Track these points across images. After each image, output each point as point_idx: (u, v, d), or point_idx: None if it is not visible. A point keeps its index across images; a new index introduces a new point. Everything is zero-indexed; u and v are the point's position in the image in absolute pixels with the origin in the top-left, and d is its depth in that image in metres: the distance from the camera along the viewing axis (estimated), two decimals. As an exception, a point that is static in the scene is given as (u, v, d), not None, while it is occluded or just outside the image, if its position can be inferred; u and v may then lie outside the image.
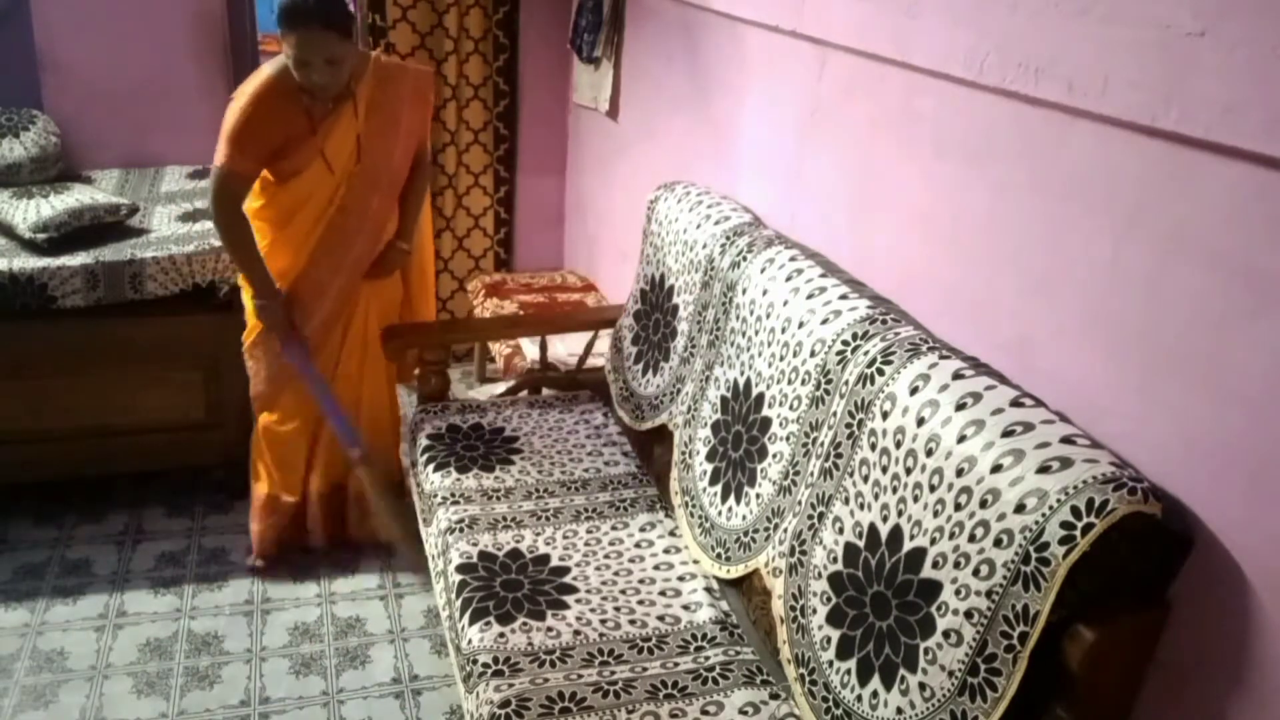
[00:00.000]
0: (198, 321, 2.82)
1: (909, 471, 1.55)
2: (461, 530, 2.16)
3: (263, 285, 2.47)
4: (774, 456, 1.92)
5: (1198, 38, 1.24)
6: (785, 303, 1.99)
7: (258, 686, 2.43)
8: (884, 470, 1.60)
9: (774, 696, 1.74)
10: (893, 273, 1.96)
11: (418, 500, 2.45)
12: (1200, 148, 1.27)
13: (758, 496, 1.95)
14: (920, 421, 1.55)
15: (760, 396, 2.01)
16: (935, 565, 1.45)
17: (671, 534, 2.20)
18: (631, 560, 2.11)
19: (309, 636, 2.60)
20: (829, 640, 1.64)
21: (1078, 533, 1.26)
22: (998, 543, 1.35)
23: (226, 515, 3.04)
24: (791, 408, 1.89)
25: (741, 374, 2.09)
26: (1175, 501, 1.33)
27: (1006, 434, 1.42)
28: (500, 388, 3.00)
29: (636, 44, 3.21)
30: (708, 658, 1.83)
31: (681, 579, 2.05)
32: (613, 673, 1.78)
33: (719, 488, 2.09)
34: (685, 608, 1.96)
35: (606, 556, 2.12)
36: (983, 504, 1.39)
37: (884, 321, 1.80)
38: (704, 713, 1.70)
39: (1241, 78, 1.19)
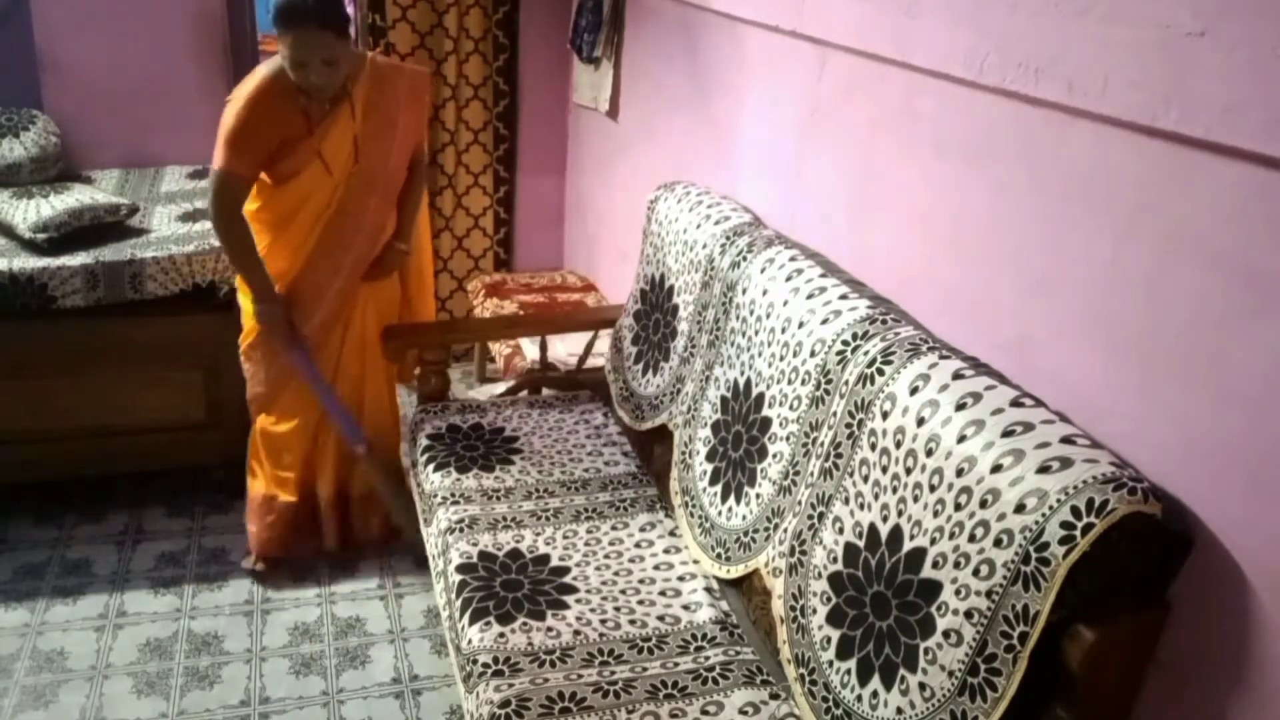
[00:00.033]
0: (198, 321, 2.82)
1: (909, 471, 1.55)
2: (461, 530, 2.16)
3: (262, 289, 2.47)
4: (774, 456, 1.92)
5: (1198, 38, 1.24)
6: (785, 303, 1.99)
7: (258, 686, 2.43)
8: (884, 470, 1.60)
9: (774, 696, 1.74)
10: (893, 273, 1.96)
11: (418, 500, 2.46)
12: (1200, 148, 1.27)
13: (758, 496, 1.95)
14: (920, 421, 1.55)
15: (760, 396, 2.01)
16: (935, 565, 1.45)
17: (671, 534, 2.21)
18: (631, 560, 2.11)
19: (309, 636, 2.60)
20: (829, 640, 1.64)
21: (1078, 533, 1.26)
22: (998, 543, 1.35)
23: (226, 515, 3.04)
24: (791, 408, 1.89)
25: (741, 374, 2.09)
26: (1175, 501, 1.33)
27: (1006, 434, 1.43)
28: (500, 388, 3.00)
29: (636, 44, 3.21)
30: (708, 658, 1.83)
31: (681, 579, 2.05)
32: (613, 673, 1.78)
33: (719, 488, 2.09)
34: (685, 608, 1.96)
35: (606, 556, 2.12)
36: (983, 504, 1.39)
37: (884, 321, 1.80)
38: (704, 713, 1.70)
39: (1241, 78, 1.19)
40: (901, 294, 1.93)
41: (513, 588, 1.98)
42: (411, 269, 2.78)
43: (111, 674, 2.43)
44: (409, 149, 2.58)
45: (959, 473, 1.45)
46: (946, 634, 1.40)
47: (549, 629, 1.87)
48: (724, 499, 2.06)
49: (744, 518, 1.98)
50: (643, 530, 2.22)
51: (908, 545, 1.52)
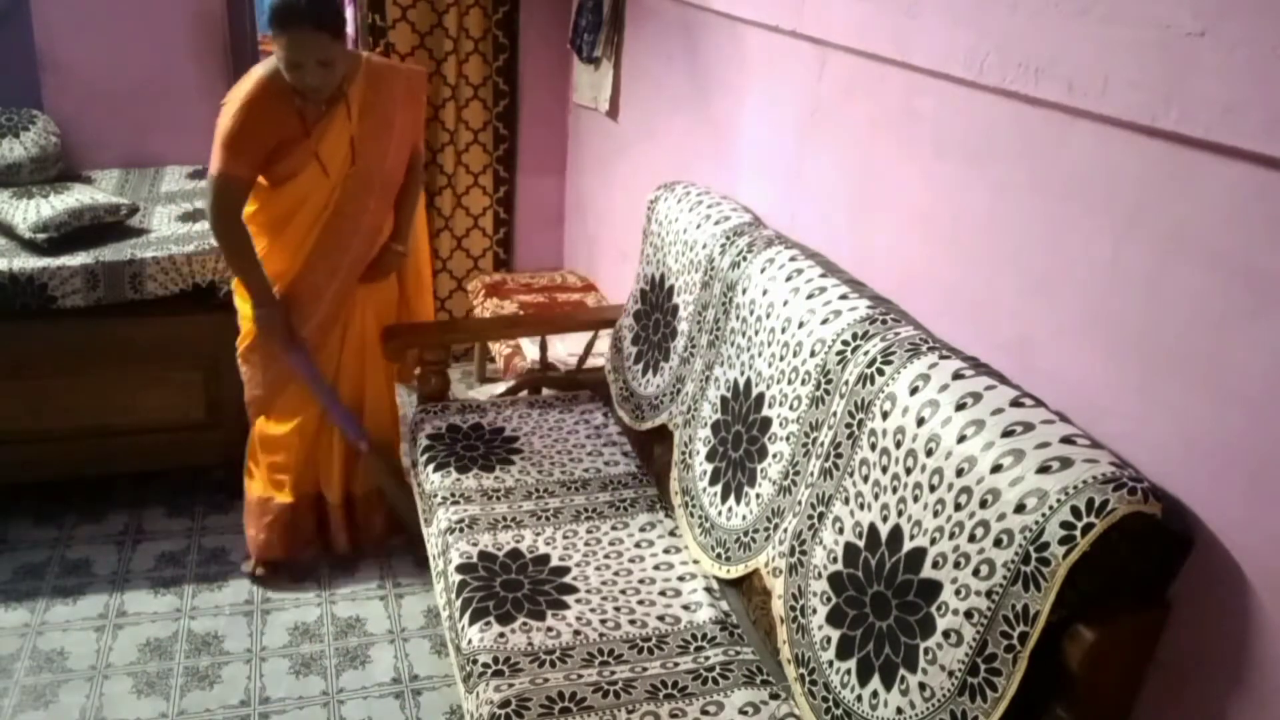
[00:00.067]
0: (198, 321, 2.82)
1: (909, 471, 1.55)
2: (461, 530, 2.16)
3: (261, 293, 2.46)
4: (774, 456, 1.92)
5: (1198, 38, 1.24)
6: (785, 303, 1.99)
7: (258, 686, 2.43)
8: (884, 470, 1.60)
9: (774, 696, 1.74)
10: (893, 273, 1.96)
11: (419, 500, 2.46)
12: (1200, 148, 1.27)
13: (758, 496, 1.95)
14: (920, 421, 1.55)
15: (760, 396, 2.01)
16: (935, 565, 1.45)
17: (671, 534, 2.21)
18: (631, 560, 2.11)
19: (309, 636, 2.60)
20: (829, 640, 1.64)
21: (1078, 533, 1.26)
22: (998, 543, 1.35)
23: (226, 515, 3.04)
24: (791, 408, 1.89)
25: (741, 374, 2.09)
26: (1175, 501, 1.33)
27: (1006, 434, 1.43)
28: (500, 388, 3.00)
29: (636, 44, 3.21)
30: (708, 658, 1.83)
31: (681, 579, 2.05)
32: (613, 673, 1.78)
33: (719, 488, 2.09)
34: (685, 608, 1.96)
35: (606, 556, 2.12)
36: (983, 504, 1.39)
37: (884, 321, 1.80)
38: (704, 713, 1.70)
39: (1241, 78, 1.19)
40: (901, 294, 1.93)
41: (513, 588, 1.98)
42: (409, 270, 2.78)
43: (111, 674, 2.43)
44: (406, 149, 2.57)
45: (959, 473, 1.45)
46: (946, 634, 1.40)
47: (549, 629, 1.87)
48: (724, 499, 2.06)
49: (744, 518, 1.98)
50: (643, 530, 2.22)
51: (908, 545, 1.52)
